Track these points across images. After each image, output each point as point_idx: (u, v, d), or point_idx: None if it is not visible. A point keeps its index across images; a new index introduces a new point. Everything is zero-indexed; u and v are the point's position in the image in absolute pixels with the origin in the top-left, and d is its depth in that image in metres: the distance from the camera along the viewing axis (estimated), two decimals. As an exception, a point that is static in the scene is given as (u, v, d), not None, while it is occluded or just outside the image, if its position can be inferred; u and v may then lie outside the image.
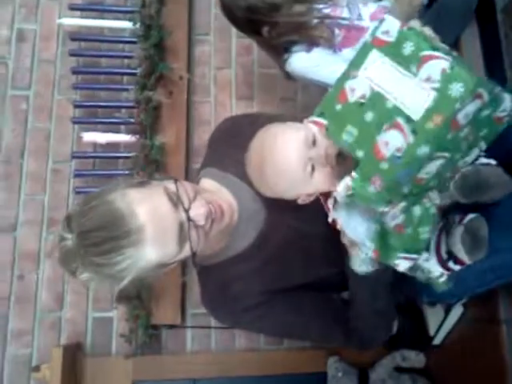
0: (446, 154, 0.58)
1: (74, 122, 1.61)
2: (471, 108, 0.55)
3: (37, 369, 1.40)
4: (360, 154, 0.58)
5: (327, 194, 0.69)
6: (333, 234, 0.72)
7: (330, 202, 0.66)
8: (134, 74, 1.55)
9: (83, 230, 0.66)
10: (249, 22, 1.13)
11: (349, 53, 1.14)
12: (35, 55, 1.70)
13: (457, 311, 1.25)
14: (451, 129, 0.55)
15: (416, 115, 0.54)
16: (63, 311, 1.52)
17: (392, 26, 0.58)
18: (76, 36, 1.64)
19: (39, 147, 1.63)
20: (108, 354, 1.51)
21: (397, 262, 0.65)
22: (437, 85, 0.53)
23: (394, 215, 0.60)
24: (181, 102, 1.60)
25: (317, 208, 0.71)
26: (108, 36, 1.69)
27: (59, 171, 1.62)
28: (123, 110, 1.61)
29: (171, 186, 0.73)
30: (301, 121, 0.74)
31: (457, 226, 0.72)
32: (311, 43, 1.16)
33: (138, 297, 1.40)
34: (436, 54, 0.55)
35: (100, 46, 1.69)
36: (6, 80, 1.67)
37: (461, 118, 0.54)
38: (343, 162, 0.64)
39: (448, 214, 0.78)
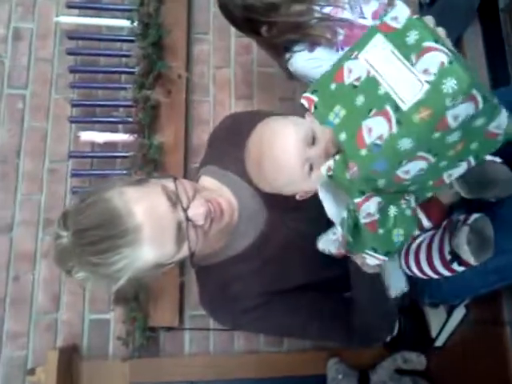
0: (430, 158, 0.56)
1: (72, 122, 1.60)
2: (463, 110, 0.52)
3: (32, 372, 1.38)
4: (342, 136, 0.58)
5: None
6: None
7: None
8: (132, 73, 1.54)
9: (79, 228, 0.65)
10: (247, 22, 1.12)
11: None
12: (32, 54, 1.69)
13: (459, 313, 1.25)
14: (438, 128, 0.53)
15: (405, 106, 0.53)
16: (59, 313, 1.51)
17: (401, 13, 0.57)
18: (73, 34, 1.64)
19: (36, 147, 1.62)
20: (105, 356, 1.50)
21: (364, 255, 0.64)
22: (432, 78, 0.52)
23: (369, 212, 0.59)
24: (179, 101, 1.59)
25: (317, 209, 0.70)
26: (106, 34, 1.68)
27: (56, 171, 1.61)
28: (121, 109, 1.61)
29: (170, 184, 0.72)
30: (302, 116, 0.73)
31: (461, 227, 0.70)
32: (313, 43, 1.15)
33: (136, 299, 1.38)
34: (437, 46, 0.53)
35: (98, 44, 1.68)
36: (3, 79, 1.66)
37: (450, 118, 0.52)
38: None
39: (450, 215, 0.77)
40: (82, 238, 0.64)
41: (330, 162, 0.60)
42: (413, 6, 1.47)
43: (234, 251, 0.82)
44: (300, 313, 0.82)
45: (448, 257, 0.71)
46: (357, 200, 0.59)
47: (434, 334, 1.31)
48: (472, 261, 0.68)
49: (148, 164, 1.46)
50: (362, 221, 0.60)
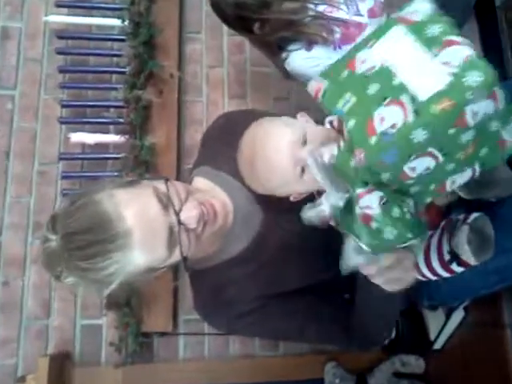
0: (439, 156, 0.55)
1: (62, 122, 1.58)
2: (482, 107, 0.52)
3: (22, 379, 1.36)
4: (351, 123, 0.56)
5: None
6: (332, 235, 0.69)
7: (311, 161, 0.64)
8: (123, 73, 1.53)
9: (68, 231, 0.64)
10: (239, 20, 1.11)
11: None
12: (21, 54, 1.67)
13: (458, 315, 1.25)
14: (456, 123, 0.52)
15: (423, 96, 0.52)
16: (50, 319, 1.48)
17: (421, 8, 0.57)
18: (63, 34, 1.62)
19: (25, 148, 1.60)
20: (97, 363, 1.47)
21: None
22: (455, 70, 0.51)
23: (368, 205, 0.58)
24: (171, 101, 1.58)
25: None
26: (96, 34, 1.66)
27: (46, 173, 1.58)
28: (112, 110, 1.59)
29: (161, 186, 0.70)
30: (294, 116, 0.73)
31: (461, 226, 0.69)
32: (309, 41, 1.14)
33: (128, 303, 1.37)
34: (461, 40, 0.53)
35: (88, 44, 1.65)
36: (-9, 79, 1.64)
37: (469, 114, 0.51)
38: None
39: (449, 214, 0.76)
40: (71, 242, 0.63)
41: (333, 151, 0.60)
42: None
43: (228, 255, 0.81)
44: (297, 316, 0.81)
45: (447, 257, 0.70)
46: (359, 190, 0.58)
47: (432, 336, 1.31)
48: (472, 261, 0.66)
49: (140, 166, 1.45)
50: (358, 211, 0.59)
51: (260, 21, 1.09)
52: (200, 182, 0.85)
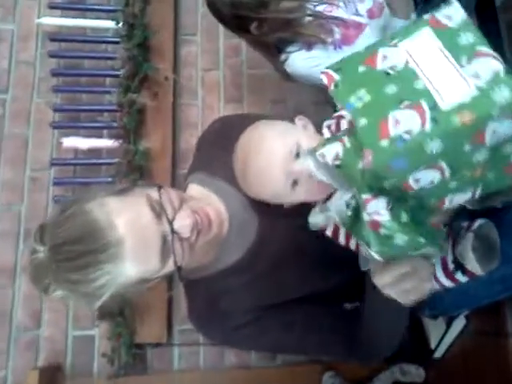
0: (446, 172, 0.53)
1: (54, 127, 1.58)
2: (504, 128, 0.50)
3: (11, 393, 1.33)
4: (362, 122, 0.54)
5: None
6: (330, 243, 0.68)
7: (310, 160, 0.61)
8: (117, 76, 1.52)
9: (57, 242, 0.62)
10: (236, 19, 1.10)
11: (349, 50, 1.12)
12: (13, 56, 1.66)
13: (459, 323, 1.23)
14: (474, 139, 0.50)
15: (445, 105, 0.50)
16: (41, 329, 1.46)
17: (456, 13, 0.55)
18: (56, 36, 1.62)
19: (16, 154, 1.59)
20: (89, 374, 1.45)
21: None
22: (483, 83, 0.50)
23: (377, 211, 0.56)
24: (166, 105, 1.57)
25: None
26: (90, 36, 1.67)
27: (37, 179, 1.57)
28: (106, 114, 1.59)
29: (154, 193, 0.68)
30: (292, 120, 0.71)
31: (465, 233, 0.67)
32: (308, 42, 1.13)
33: (121, 314, 1.35)
34: (493, 53, 0.52)
35: (81, 46, 1.66)
36: (-19, 83, 1.63)
37: (489, 132, 0.50)
38: None
39: (453, 221, 0.73)
40: (60, 253, 0.61)
41: (338, 150, 0.56)
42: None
43: (223, 264, 0.79)
44: (295, 328, 0.79)
45: (451, 266, 0.69)
46: (365, 196, 0.55)
47: (432, 345, 1.29)
48: (479, 271, 0.65)
49: (134, 171, 1.44)
50: (366, 217, 0.56)
51: (257, 20, 1.08)
52: (194, 189, 0.84)
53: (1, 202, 1.53)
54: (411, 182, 0.54)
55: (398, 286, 0.63)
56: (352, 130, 0.56)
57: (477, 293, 0.86)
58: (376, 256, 0.58)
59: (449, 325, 1.25)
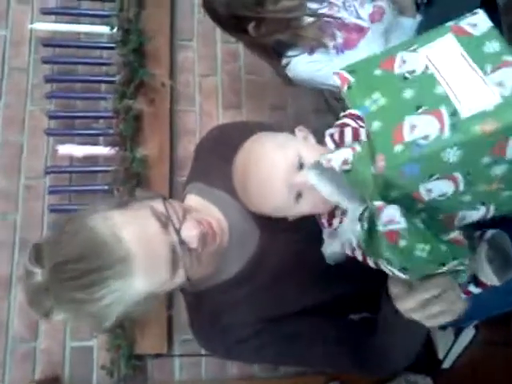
0: (461, 184, 0.52)
1: (49, 134, 1.57)
2: None
3: (8, 407, 1.31)
4: (376, 125, 0.53)
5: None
6: None
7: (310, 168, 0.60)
8: (112, 82, 1.51)
9: (58, 261, 0.60)
10: (233, 19, 1.09)
11: (352, 54, 1.11)
12: (5, 63, 1.65)
13: (468, 333, 1.22)
14: (494, 150, 0.49)
15: (466, 112, 0.49)
16: (38, 341, 1.45)
17: (482, 22, 0.54)
18: (49, 42, 1.60)
19: (10, 162, 1.57)
20: None
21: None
22: (507, 93, 0.48)
23: (392, 219, 0.53)
24: (163, 111, 1.56)
25: (315, 226, 0.67)
26: (84, 41, 1.65)
27: (32, 188, 1.56)
28: (101, 121, 1.58)
29: (158, 205, 0.67)
30: (292, 131, 0.69)
31: (478, 244, 0.65)
32: (309, 46, 1.12)
33: (120, 324, 1.33)
34: None
35: (75, 52, 1.64)
36: (-26, 90, 1.62)
37: (510, 144, 0.49)
38: None
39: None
40: (63, 273, 0.59)
41: (347, 155, 0.55)
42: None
43: (225, 276, 0.77)
44: (299, 340, 0.78)
45: None
46: (378, 203, 0.53)
47: (441, 355, 1.28)
48: (495, 281, 0.63)
49: (131, 178, 1.43)
50: (381, 228, 0.53)
51: (255, 20, 1.07)
52: (193, 200, 0.82)
53: (-5, 212, 1.52)
54: (422, 191, 0.52)
55: (423, 311, 0.60)
56: (355, 137, 0.55)
57: (488, 303, 0.84)
58: (401, 274, 0.56)
59: (457, 335, 1.24)
